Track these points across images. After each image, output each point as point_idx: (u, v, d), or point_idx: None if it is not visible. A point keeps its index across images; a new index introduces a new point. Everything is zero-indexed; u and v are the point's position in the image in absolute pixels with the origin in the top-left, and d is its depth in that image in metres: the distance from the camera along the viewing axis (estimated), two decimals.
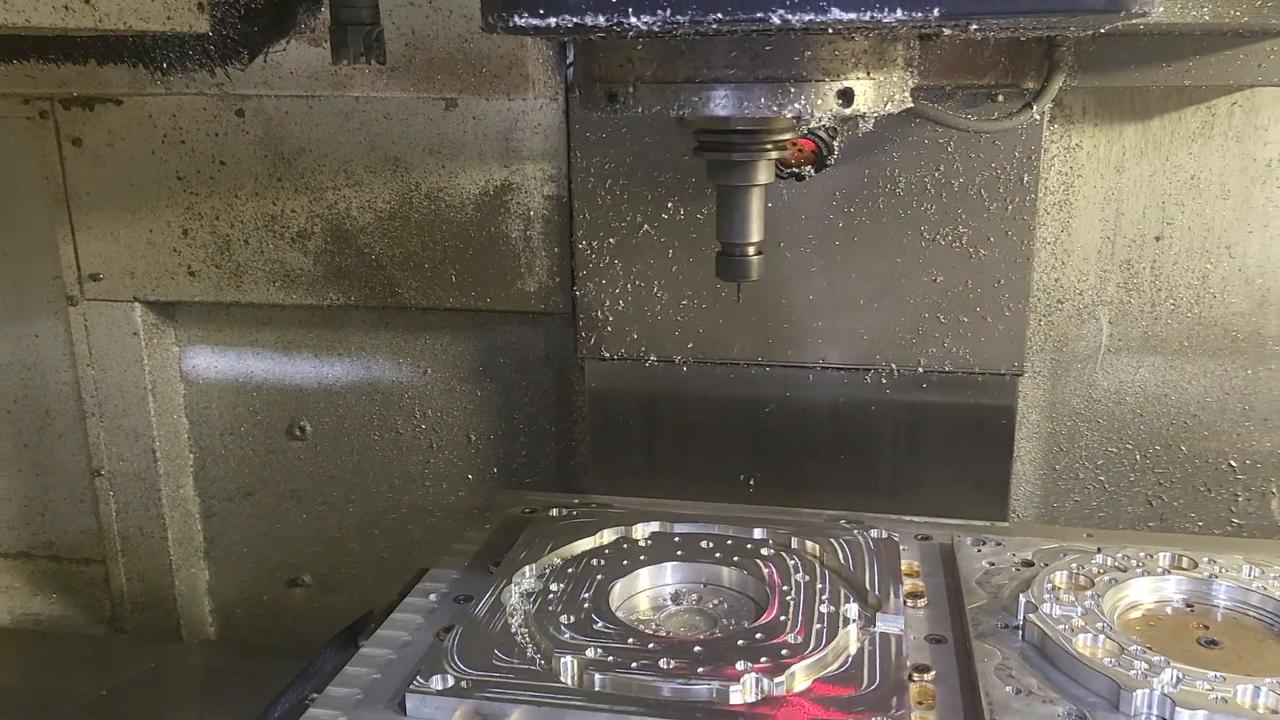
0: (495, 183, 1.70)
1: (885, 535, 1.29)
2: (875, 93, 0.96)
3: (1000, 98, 1.49)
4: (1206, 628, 1.08)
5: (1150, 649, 0.97)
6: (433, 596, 1.23)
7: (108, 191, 1.82)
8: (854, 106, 0.94)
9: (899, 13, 0.74)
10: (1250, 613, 1.09)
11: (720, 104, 0.93)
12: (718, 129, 1.09)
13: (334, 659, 1.16)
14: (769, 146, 1.09)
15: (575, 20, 0.81)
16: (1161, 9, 1.04)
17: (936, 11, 0.74)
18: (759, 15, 0.78)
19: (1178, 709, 0.90)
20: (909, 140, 1.54)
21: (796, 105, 0.93)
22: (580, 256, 1.66)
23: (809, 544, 1.26)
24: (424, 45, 1.62)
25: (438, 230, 1.75)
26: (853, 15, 0.76)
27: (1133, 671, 0.94)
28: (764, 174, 1.11)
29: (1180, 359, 1.64)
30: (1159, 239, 1.60)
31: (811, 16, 0.77)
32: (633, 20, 0.80)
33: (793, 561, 1.22)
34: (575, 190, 1.64)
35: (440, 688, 0.99)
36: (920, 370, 1.61)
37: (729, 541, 1.28)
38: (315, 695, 1.05)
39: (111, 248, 1.84)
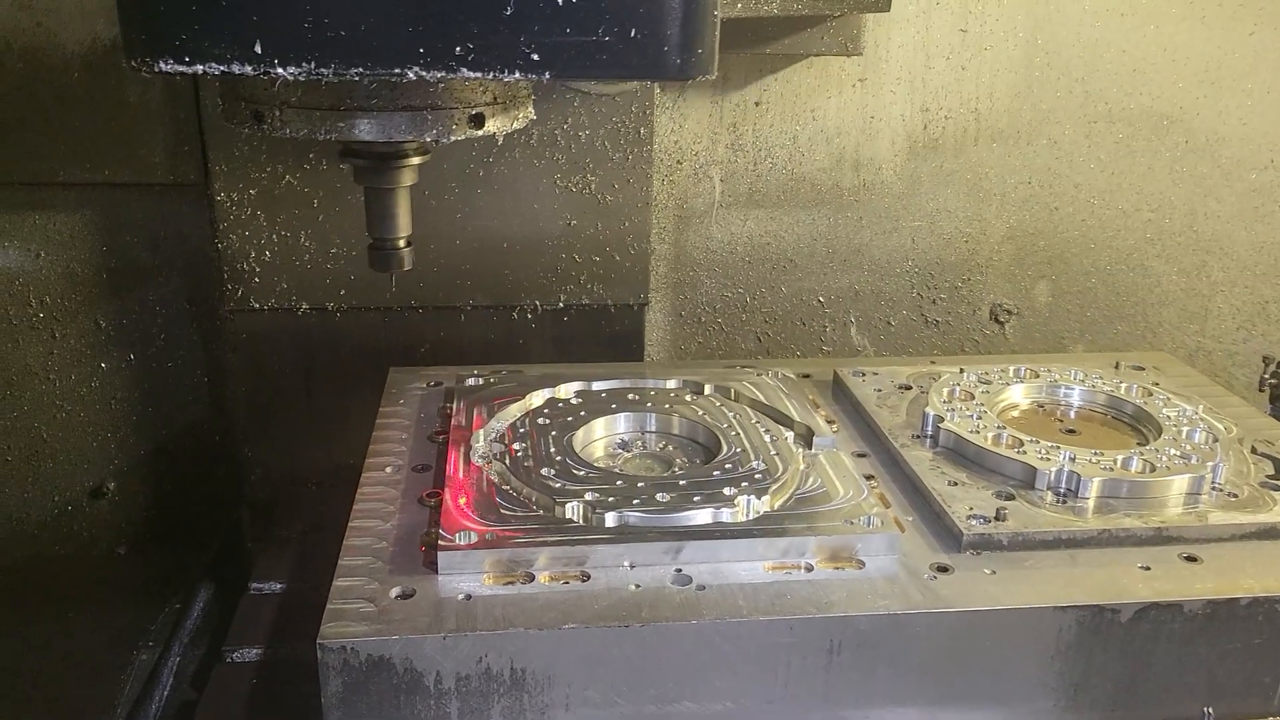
0: (104, 40, 1.57)
1: (782, 374, 1.41)
2: (504, 115, 1.11)
3: None
4: (1062, 420, 1.31)
5: (1038, 440, 1.17)
6: (389, 470, 1.22)
7: None
8: (485, 129, 1.08)
9: (516, 74, 0.90)
10: (1094, 407, 1.34)
11: (364, 130, 1.03)
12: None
13: None
14: (413, 155, 1.16)
15: (222, 68, 0.86)
16: (740, 6, 1.32)
17: (547, 75, 0.91)
18: (397, 70, 0.89)
19: (1081, 479, 1.10)
20: (537, 95, 1.63)
21: (434, 131, 1.04)
22: (220, 209, 1.62)
23: (727, 387, 1.36)
24: None
25: (38, 96, 1.58)
26: (478, 74, 0.90)
27: (1038, 456, 1.13)
28: (409, 177, 1.18)
29: (779, 210, 1.89)
30: (758, 104, 1.82)
31: (443, 74, 0.89)
32: (279, 71, 0.87)
33: (719, 403, 1.30)
34: (208, 141, 1.59)
35: (466, 543, 1.01)
36: (561, 305, 1.75)
37: (653, 393, 1.34)
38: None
39: None
